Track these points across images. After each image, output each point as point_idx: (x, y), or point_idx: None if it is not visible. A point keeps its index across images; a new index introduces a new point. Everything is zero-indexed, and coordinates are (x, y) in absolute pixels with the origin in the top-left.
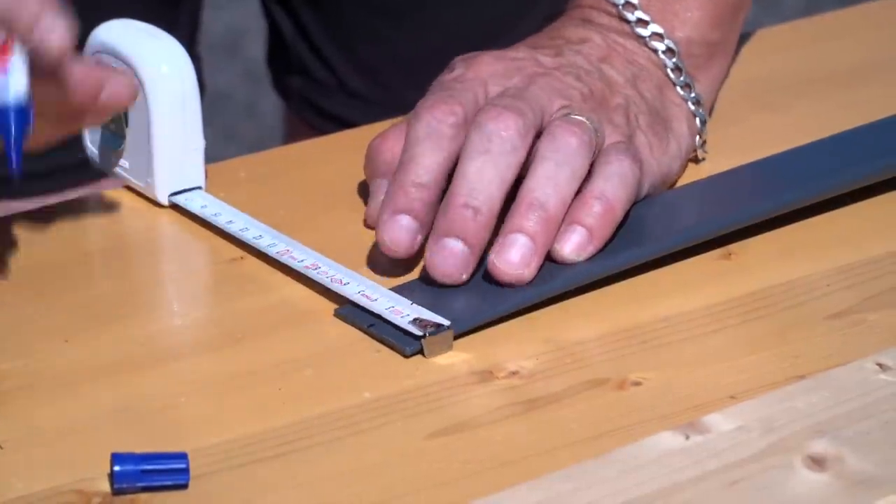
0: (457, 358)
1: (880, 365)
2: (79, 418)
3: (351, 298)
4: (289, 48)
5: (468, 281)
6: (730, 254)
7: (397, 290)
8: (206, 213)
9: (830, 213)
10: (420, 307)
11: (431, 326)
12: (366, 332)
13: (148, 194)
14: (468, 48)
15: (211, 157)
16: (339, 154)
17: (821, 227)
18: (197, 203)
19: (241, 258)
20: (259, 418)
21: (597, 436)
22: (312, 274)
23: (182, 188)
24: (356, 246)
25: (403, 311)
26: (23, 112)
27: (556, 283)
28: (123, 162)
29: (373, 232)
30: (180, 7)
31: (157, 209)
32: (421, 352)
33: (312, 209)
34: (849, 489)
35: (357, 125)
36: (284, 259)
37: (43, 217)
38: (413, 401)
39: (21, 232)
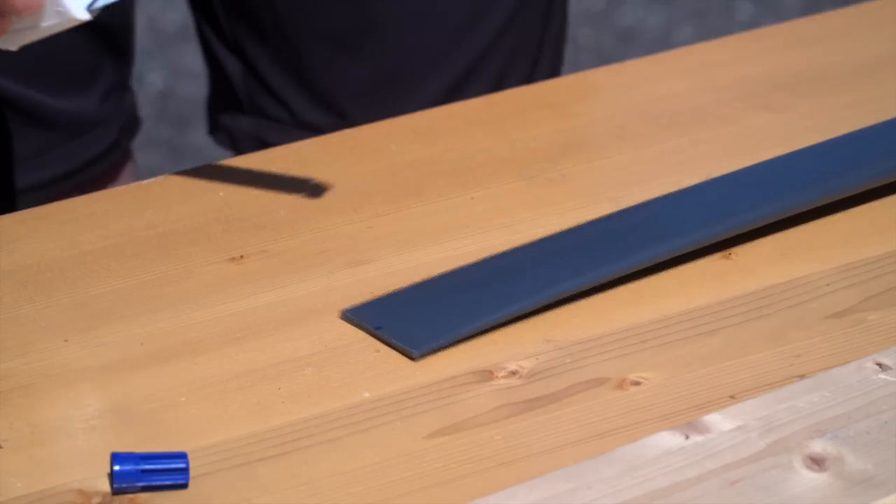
0: (456, 358)
1: (880, 364)
2: (78, 418)
3: None
4: (237, 90)
5: None
6: (730, 254)
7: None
8: None
9: (830, 213)
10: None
11: None
12: (372, 335)
13: (69, 20)
14: (421, 69)
15: (211, 156)
16: (338, 154)
17: (821, 227)
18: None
19: (241, 257)
20: (259, 418)
21: (596, 435)
22: None
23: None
24: (353, 246)
25: None
26: None
27: (550, 291)
28: (42, 22)
29: (370, 232)
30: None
31: (156, 209)
32: (429, 353)
33: (312, 209)
34: (848, 489)
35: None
36: None
37: (43, 217)
38: (413, 400)
39: (21, 232)
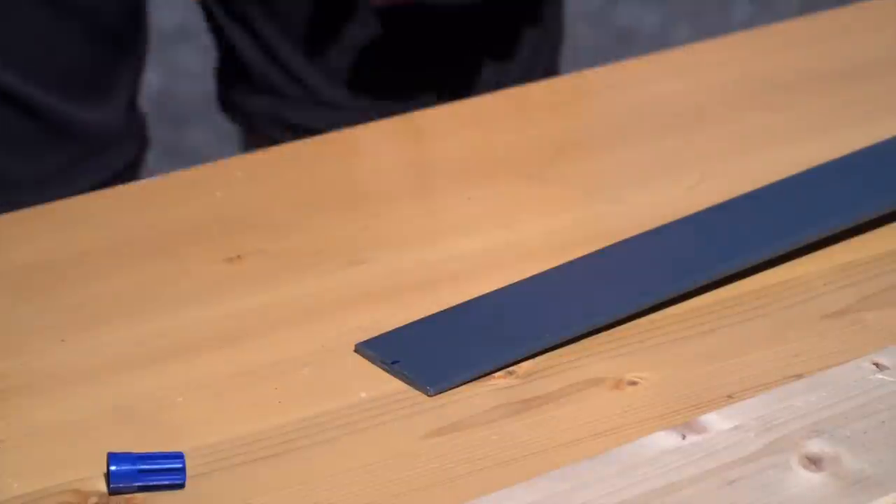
0: None
1: (877, 364)
2: (75, 418)
3: None
4: (249, 69)
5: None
6: None
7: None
8: None
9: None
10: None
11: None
12: (386, 369)
13: None
14: (442, 45)
15: (208, 156)
16: (333, 154)
17: None
18: None
19: (238, 258)
20: (255, 418)
21: (593, 435)
22: None
23: None
24: (351, 246)
25: None
26: None
27: (548, 337)
28: None
29: (368, 232)
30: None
31: (153, 209)
32: (447, 389)
33: (307, 209)
34: (845, 489)
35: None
36: None
37: (40, 217)
38: (409, 401)
39: (18, 231)
